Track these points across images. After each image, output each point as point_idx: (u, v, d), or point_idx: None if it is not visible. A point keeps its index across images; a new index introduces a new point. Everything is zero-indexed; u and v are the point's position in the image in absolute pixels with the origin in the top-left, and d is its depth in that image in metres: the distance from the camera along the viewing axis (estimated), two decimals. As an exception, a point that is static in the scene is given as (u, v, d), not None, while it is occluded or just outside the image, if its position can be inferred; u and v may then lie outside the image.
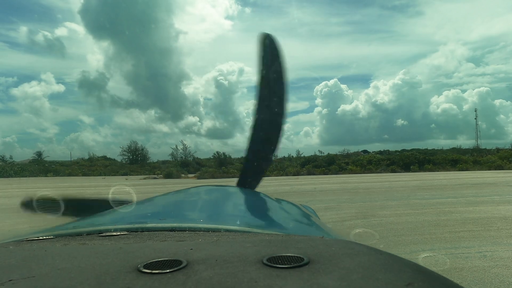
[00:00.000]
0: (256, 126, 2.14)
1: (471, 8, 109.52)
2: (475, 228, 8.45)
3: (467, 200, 13.72)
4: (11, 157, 57.11)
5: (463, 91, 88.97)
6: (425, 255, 6.37)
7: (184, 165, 54.52)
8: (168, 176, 41.48)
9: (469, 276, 5.18)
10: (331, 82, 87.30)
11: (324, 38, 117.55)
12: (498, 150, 54.70)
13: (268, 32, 2.08)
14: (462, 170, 41.71)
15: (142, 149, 64.04)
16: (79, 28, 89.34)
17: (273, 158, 2.34)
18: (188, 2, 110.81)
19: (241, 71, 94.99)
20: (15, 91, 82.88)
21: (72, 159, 62.37)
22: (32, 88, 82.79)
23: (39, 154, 60.27)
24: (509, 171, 37.95)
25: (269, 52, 2.04)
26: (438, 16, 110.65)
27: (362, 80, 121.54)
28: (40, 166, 51.88)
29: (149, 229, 0.96)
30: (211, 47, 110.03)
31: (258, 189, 2.24)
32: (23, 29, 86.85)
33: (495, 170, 40.42)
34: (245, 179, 2.27)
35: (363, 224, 9.41)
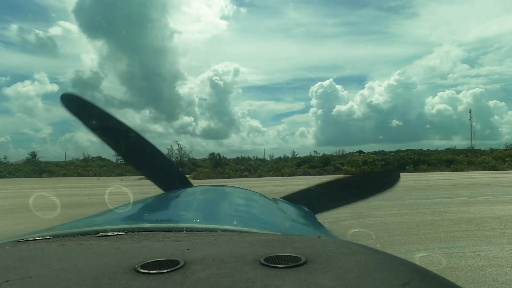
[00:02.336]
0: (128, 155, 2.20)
1: (466, 9, 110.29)
2: (470, 228, 8.50)
3: (461, 200, 13.81)
4: (5, 158, 56.53)
5: (458, 92, 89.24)
6: (421, 254, 6.41)
7: (180, 165, 54.35)
8: (164, 176, 41.24)
9: (463, 275, 5.22)
10: (326, 82, 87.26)
11: (320, 39, 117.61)
12: (492, 150, 55.11)
13: (67, 92, 2.02)
14: (457, 170, 41.96)
15: (137, 150, 63.59)
16: (73, 27, 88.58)
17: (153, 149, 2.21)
18: (183, 2, 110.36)
19: (236, 72, 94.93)
20: (8, 91, 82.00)
21: (67, 160, 61.91)
22: (26, 87, 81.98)
23: (34, 154, 59.72)
24: (503, 171, 38.24)
25: (80, 109, 2.02)
26: (434, 17, 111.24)
27: (357, 81, 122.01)
28: (34, 167, 51.46)
29: (146, 229, 0.96)
30: (206, 47, 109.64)
31: (254, 189, 2.24)
32: (17, 28, 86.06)
33: (490, 170, 40.71)
34: (167, 183, 2.23)
35: (358, 224, 9.44)
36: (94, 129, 2.05)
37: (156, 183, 2.22)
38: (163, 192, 2.17)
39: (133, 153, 2.15)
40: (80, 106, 2.02)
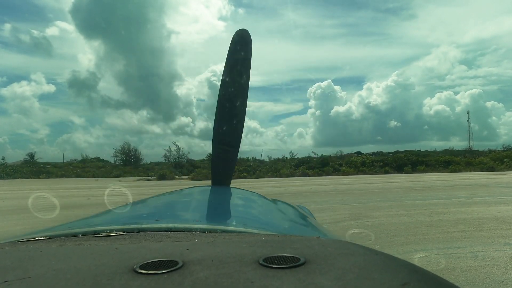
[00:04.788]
0: (219, 117, 2.27)
1: (464, 11, 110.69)
2: (467, 229, 8.52)
3: (459, 201, 13.85)
4: (3, 159, 56.35)
5: (456, 93, 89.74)
6: (420, 255, 6.42)
7: (178, 166, 54.28)
8: (162, 177, 41.27)
9: (461, 276, 5.23)
10: (325, 83, 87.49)
11: (318, 40, 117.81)
12: (490, 151, 55.31)
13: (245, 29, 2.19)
14: (455, 171, 42.09)
15: (135, 151, 63.65)
16: (70, 28, 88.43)
17: (237, 149, 2.39)
18: (180, 2, 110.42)
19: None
20: (5, 91, 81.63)
21: (64, 161, 61.75)
22: (22, 88, 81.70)
23: (32, 155, 59.58)
24: (501, 172, 38.36)
25: (240, 48, 2.16)
26: (431, 18, 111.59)
27: (355, 82, 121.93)
28: (32, 168, 51.30)
29: (145, 230, 0.96)
30: (204, 48, 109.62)
31: (253, 190, 2.24)
32: (13, 28, 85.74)
33: (487, 171, 40.84)
34: (217, 176, 2.31)
35: (356, 225, 9.45)
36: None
37: (212, 174, 2.35)
38: (159, 192, 2.19)
39: (226, 117, 2.26)
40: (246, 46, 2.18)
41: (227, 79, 2.21)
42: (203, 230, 0.96)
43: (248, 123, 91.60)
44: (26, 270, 0.60)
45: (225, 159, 2.37)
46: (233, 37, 2.19)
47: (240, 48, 2.19)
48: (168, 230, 0.96)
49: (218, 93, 2.26)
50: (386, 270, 0.55)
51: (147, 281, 0.53)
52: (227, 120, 2.29)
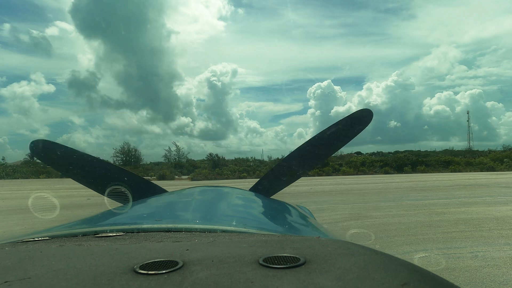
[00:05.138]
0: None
1: (463, 11, 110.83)
2: (467, 229, 8.52)
3: (459, 201, 13.84)
4: (3, 159, 56.36)
5: (456, 93, 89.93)
6: (420, 255, 6.42)
7: (178, 166, 54.27)
8: (162, 178, 41.26)
9: (461, 276, 5.23)
10: (324, 83, 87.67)
11: (318, 40, 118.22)
12: (490, 151, 55.29)
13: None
14: (455, 171, 42.08)
15: (135, 151, 63.63)
16: (70, 28, 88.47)
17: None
18: (180, 2, 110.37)
19: (234, 73, 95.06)
20: (4, 91, 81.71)
21: (64, 161, 61.56)
22: (22, 88, 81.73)
23: (32, 155, 59.51)
24: (501, 172, 38.36)
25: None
26: (431, 19, 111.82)
27: (355, 82, 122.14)
28: (32, 168, 51.25)
29: (145, 230, 0.96)
30: (204, 48, 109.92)
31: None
32: (13, 28, 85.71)
33: (487, 171, 40.84)
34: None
35: (356, 225, 9.45)
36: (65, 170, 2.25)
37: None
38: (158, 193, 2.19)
39: (103, 179, 2.25)
40: (47, 152, 2.19)
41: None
42: (203, 230, 0.96)
43: (248, 123, 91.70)
44: (26, 271, 0.60)
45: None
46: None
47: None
48: (168, 230, 0.96)
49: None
50: (386, 270, 0.55)
51: (147, 282, 0.53)
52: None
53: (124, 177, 2.27)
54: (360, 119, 2.30)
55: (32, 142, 2.14)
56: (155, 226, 1.00)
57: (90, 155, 2.24)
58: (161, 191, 2.35)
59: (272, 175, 2.37)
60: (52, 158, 2.23)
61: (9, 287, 0.52)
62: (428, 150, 61.05)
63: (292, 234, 0.95)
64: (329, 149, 2.45)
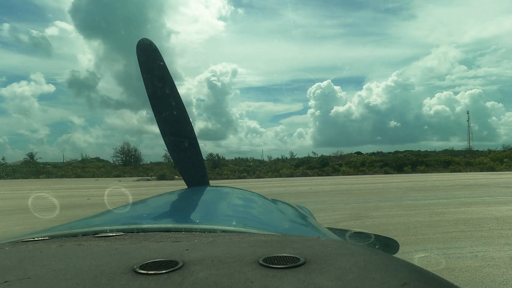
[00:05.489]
0: (163, 126, 2.23)
1: (463, 11, 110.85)
2: (467, 229, 8.53)
3: (459, 201, 13.85)
4: (3, 159, 56.37)
5: (456, 93, 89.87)
6: (419, 255, 6.42)
7: (178, 166, 54.06)
8: (162, 177, 41.28)
9: (461, 276, 5.23)
10: (324, 83, 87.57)
11: (318, 40, 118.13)
12: (490, 151, 55.29)
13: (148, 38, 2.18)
14: (455, 171, 42.09)
15: (135, 151, 63.61)
16: (70, 27, 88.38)
17: (194, 140, 2.34)
18: (180, 2, 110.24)
19: (234, 73, 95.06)
20: (4, 91, 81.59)
21: (64, 161, 61.69)
22: (22, 88, 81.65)
23: (32, 155, 59.50)
24: (501, 172, 38.37)
25: (149, 57, 2.15)
26: (431, 19, 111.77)
27: (355, 82, 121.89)
28: (32, 168, 51.27)
29: (144, 230, 0.96)
30: (204, 48, 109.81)
31: (253, 190, 2.24)
32: (13, 28, 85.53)
33: (487, 171, 40.85)
34: (188, 176, 2.30)
35: (356, 225, 9.45)
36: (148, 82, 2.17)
37: (182, 175, 2.30)
38: (160, 192, 2.19)
39: (177, 137, 2.22)
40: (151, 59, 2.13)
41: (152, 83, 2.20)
42: (203, 230, 0.97)
43: (248, 123, 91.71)
44: (26, 271, 0.60)
45: (186, 153, 2.31)
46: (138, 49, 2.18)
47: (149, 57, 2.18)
48: (168, 230, 0.96)
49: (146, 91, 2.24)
50: (386, 270, 0.55)
51: (147, 282, 0.53)
52: (166, 110, 2.25)
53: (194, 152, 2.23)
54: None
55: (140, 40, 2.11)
56: (155, 226, 1.00)
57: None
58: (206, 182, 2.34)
59: None
60: (151, 65, 2.16)
61: (9, 287, 0.52)
62: (428, 150, 61.16)
63: (292, 234, 0.95)
64: None
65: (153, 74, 2.18)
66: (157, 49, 2.16)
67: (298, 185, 25.89)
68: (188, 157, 2.32)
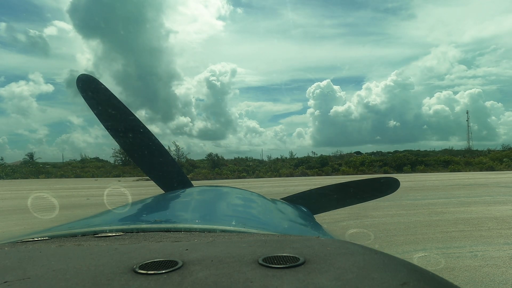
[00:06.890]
0: (121, 140, 2.20)
1: (463, 11, 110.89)
2: (467, 228, 8.53)
3: (458, 200, 13.86)
4: (2, 159, 56.23)
5: (455, 93, 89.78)
6: (419, 255, 6.42)
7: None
8: (161, 177, 41.13)
9: (460, 275, 5.23)
10: (324, 83, 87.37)
11: (318, 40, 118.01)
12: (489, 151, 55.32)
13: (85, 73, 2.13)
14: (454, 171, 42.08)
15: (135, 151, 63.25)
16: (68, 27, 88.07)
17: (150, 134, 2.24)
18: (179, 2, 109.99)
19: (233, 72, 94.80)
20: (3, 91, 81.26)
21: (64, 161, 61.60)
22: (20, 88, 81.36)
23: (31, 155, 59.43)
24: (500, 172, 38.38)
25: (92, 92, 2.14)
26: (430, 19, 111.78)
27: (354, 82, 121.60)
28: (32, 168, 51.20)
29: (144, 230, 0.96)
30: (203, 48, 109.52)
31: (252, 190, 2.24)
32: (11, 27, 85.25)
33: (487, 171, 40.86)
34: (161, 179, 2.28)
35: (356, 224, 9.46)
36: (102, 115, 2.11)
37: (156, 182, 2.25)
38: (162, 191, 2.18)
39: (139, 148, 2.17)
40: (93, 90, 2.08)
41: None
42: (202, 230, 0.97)
43: (247, 123, 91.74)
44: (26, 271, 0.60)
45: (153, 157, 2.24)
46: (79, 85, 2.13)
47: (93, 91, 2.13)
48: (167, 230, 0.96)
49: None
50: (385, 270, 0.55)
51: (146, 281, 0.53)
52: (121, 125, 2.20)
53: (160, 152, 2.18)
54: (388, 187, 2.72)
55: (78, 77, 2.06)
56: (155, 226, 1.00)
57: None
58: (189, 184, 2.31)
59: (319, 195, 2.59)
60: (95, 96, 2.11)
61: (8, 287, 0.52)
62: (428, 150, 61.09)
63: (292, 234, 0.95)
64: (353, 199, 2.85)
65: (103, 104, 2.17)
66: (96, 79, 2.13)
67: (298, 185, 25.87)
68: (157, 161, 2.26)
